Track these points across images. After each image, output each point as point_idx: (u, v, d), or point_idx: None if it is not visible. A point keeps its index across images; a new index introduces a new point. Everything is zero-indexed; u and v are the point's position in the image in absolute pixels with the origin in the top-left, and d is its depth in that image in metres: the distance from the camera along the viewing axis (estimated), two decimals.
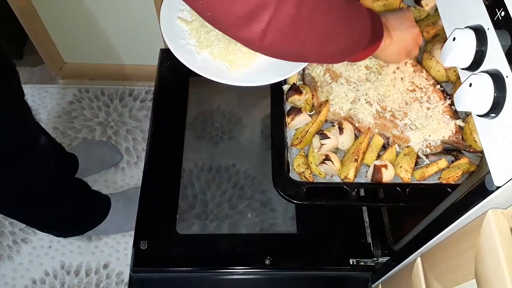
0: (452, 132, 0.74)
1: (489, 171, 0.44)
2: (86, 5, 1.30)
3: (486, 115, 0.44)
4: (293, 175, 0.71)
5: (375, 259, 0.86)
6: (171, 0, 0.75)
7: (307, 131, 0.74)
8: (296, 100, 0.77)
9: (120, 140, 1.44)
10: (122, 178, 1.37)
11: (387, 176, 0.69)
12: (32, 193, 1.00)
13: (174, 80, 1.04)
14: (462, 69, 0.49)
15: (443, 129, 0.74)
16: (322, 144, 0.71)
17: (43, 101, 1.50)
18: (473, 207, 0.47)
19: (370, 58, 0.80)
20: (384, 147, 0.74)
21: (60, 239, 1.26)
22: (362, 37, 0.59)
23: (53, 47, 1.45)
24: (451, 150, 0.74)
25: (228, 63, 0.72)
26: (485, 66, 0.45)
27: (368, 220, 0.92)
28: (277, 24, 0.47)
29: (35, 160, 0.94)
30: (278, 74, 0.69)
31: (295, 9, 0.46)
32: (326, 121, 0.77)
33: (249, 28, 0.47)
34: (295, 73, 0.71)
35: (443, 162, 0.71)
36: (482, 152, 0.69)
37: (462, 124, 0.75)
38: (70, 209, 1.15)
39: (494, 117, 0.43)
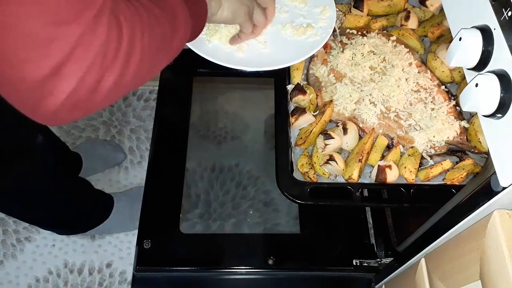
0: (457, 133, 0.74)
1: (495, 171, 0.43)
2: None
3: (492, 115, 0.43)
4: (297, 175, 0.71)
5: (378, 260, 0.85)
6: None
7: (311, 131, 0.74)
8: (300, 100, 0.77)
9: (123, 140, 1.44)
10: (126, 177, 1.38)
11: (391, 176, 0.69)
12: (31, 192, 1.00)
13: (178, 80, 1.04)
14: (468, 69, 0.48)
15: (448, 130, 0.74)
16: (326, 144, 0.71)
17: None
18: (478, 208, 0.47)
19: (371, 58, 0.80)
20: (389, 148, 0.74)
21: (64, 238, 1.26)
22: (181, 41, 0.55)
23: None
24: (456, 151, 0.74)
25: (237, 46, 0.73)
26: (492, 66, 0.45)
27: (371, 221, 0.91)
28: (82, 100, 0.39)
29: (32, 158, 0.94)
30: (292, 58, 0.71)
31: (97, 82, 0.39)
32: (330, 121, 0.77)
33: (44, 104, 0.38)
34: (303, 59, 0.73)
35: (447, 163, 0.71)
36: (486, 153, 0.69)
37: (466, 125, 0.75)
38: (73, 207, 1.15)
39: (500, 118, 0.43)
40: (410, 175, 0.70)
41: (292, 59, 0.72)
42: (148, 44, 0.45)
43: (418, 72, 0.80)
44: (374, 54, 0.81)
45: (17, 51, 0.35)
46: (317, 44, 0.74)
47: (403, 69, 0.79)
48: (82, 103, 0.40)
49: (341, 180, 0.71)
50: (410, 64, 0.80)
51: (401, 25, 0.85)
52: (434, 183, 0.71)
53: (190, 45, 0.70)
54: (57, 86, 0.37)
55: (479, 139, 0.71)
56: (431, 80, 0.79)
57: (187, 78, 1.04)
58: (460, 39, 0.47)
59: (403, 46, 0.82)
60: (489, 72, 0.44)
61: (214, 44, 0.73)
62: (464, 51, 0.47)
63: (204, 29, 0.69)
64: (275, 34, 0.76)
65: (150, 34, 0.45)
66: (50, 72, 0.36)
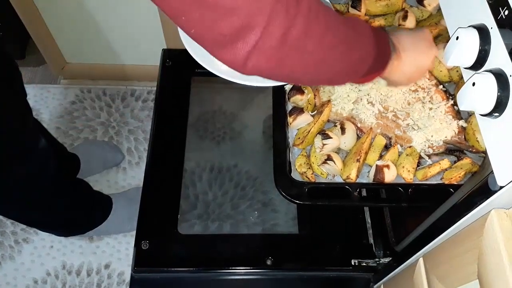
0: (455, 133, 0.74)
1: (492, 171, 0.43)
2: (89, 6, 1.30)
3: (489, 114, 0.43)
4: (295, 175, 0.71)
5: (377, 259, 0.85)
6: None
7: (309, 131, 0.74)
8: (298, 100, 0.77)
9: (121, 140, 1.44)
10: (124, 178, 1.37)
11: (389, 176, 0.69)
12: (32, 194, 1.00)
13: (176, 80, 1.04)
14: (465, 68, 0.48)
15: (446, 129, 0.74)
16: (324, 144, 0.71)
17: (45, 101, 1.51)
18: (476, 207, 0.47)
19: None
20: (386, 147, 0.74)
21: (62, 239, 1.26)
22: (362, 62, 0.56)
23: (55, 48, 1.46)
24: (454, 150, 0.74)
25: None
26: (489, 65, 0.45)
27: (370, 221, 0.91)
28: (264, 47, 0.44)
29: (35, 161, 0.94)
30: None
31: (283, 32, 0.43)
32: (328, 121, 0.77)
33: (233, 48, 0.44)
34: None
35: (445, 163, 0.71)
36: (484, 152, 0.68)
37: (464, 124, 0.75)
38: (71, 209, 1.15)
39: (497, 117, 0.43)
40: (408, 175, 0.70)
41: None
42: (332, 27, 0.48)
43: None
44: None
45: (211, 16, 0.42)
46: None
47: None
48: (268, 52, 0.44)
49: (339, 180, 0.71)
50: None
51: (399, 25, 0.85)
52: (432, 182, 0.71)
53: (187, 46, 0.70)
54: (245, 37, 0.42)
55: (477, 138, 0.71)
56: (429, 79, 0.79)
57: (185, 78, 1.04)
58: (457, 38, 0.47)
59: None
60: (486, 71, 0.44)
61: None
62: (461, 50, 0.47)
63: None
64: None
65: (333, 25, 0.48)
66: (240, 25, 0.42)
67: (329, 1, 0.79)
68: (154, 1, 0.43)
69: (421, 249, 0.62)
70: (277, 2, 0.42)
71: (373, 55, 0.56)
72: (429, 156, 0.73)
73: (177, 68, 1.04)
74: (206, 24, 0.43)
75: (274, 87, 0.79)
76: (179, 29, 0.72)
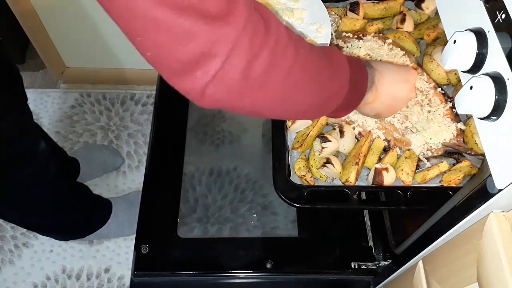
0: (453, 135, 0.74)
1: (491, 174, 0.44)
2: (88, 10, 1.31)
3: (487, 117, 0.43)
4: (294, 179, 0.71)
5: (376, 262, 0.85)
6: None
7: (308, 134, 0.74)
8: None
9: (121, 144, 1.44)
10: (123, 182, 1.37)
11: (388, 179, 0.69)
12: (32, 198, 1.00)
13: None
14: (463, 71, 0.49)
15: (444, 132, 0.74)
16: (323, 147, 0.71)
17: (45, 105, 1.51)
18: (474, 210, 0.47)
19: (368, 59, 0.80)
20: (385, 150, 0.74)
21: (62, 243, 1.26)
22: (331, 99, 0.53)
23: (55, 52, 1.46)
24: (453, 153, 0.74)
25: None
26: (486, 68, 0.45)
27: (369, 224, 0.91)
28: (225, 79, 0.40)
29: (35, 165, 0.94)
30: None
31: (246, 64, 0.40)
32: (327, 124, 0.77)
33: (191, 77, 0.40)
34: None
35: (444, 165, 0.71)
36: (483, 155, 0.69)
37: (463, 127, 0.75)
38: (71, 213, 1.15)
39: (495, 120, 0.43)
40: (407, 178, 0.70)
41: None
42: (301, 62, 0.45)
43: None
44: (370, 57, 0.81)
45: (166, 42, 0.38)
46: None
47: None
48: (229, 84, 0.41)
49: (338, 183, 0.71)
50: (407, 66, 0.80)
51: (397, 28, 0.86)
52: (431, 185, 0.71)
53: None
54: (205, 65, 0.39)
55: (475, 141, 0.71)
56: (427, 82, 0.79)
57: None
58: (454, 42, 0.47)
59: (399, 49, 0.82)
60: (483, 74, 0.44)
61: None
62: (458, 53, 0.47)
63: None
64: None
65: (302, 61, 0.45)
66: (199, 53, 0.39)
67: (301, 32, 0.80)
68: (112, 17, 0.39)
69: (420, 251, 0.63)
70: (243, 30, 0.39)
71: (344, 93, 0.53)
72: (428, 158, 0.73)
73: None
74: (162, 48, 0.39)
75: None
76: None
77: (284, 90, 0.46)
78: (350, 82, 0.54)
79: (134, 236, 0.87)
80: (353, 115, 0.76)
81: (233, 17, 0.38)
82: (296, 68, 0.45)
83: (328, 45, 0.78)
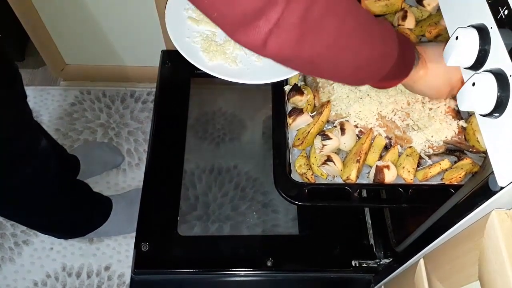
0: (455, 133, 0.74)
1: (493, 171, 0.43)
2: (88, 7, 1.30)
3: (489, 114, 0.43)
4: (295, 176, 0.71)
5: (377, 260, 0.85)
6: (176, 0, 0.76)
7: (309, 132, 0.74)
8: (297, 100, 0.77)
9: (121, 142, 1.44)
10: (124, 179, 1.37)
11: (390, 177, 0.69)
12: (33, 196, 0.99)
13: (176, 81, 1.04)
14: (465, 68, 0.48)
15: (446, 130, 0.73)
16: (323, 145, 0.70)
17: (44, 102, 1.50)
18: (476, 208, 0.47)
19: None
20: (386, 148, 0.74)
21: (62, 241, 1.26)
22: (385, 58, 0.53)
23: (54, 49, 1.46)
24: (454, 150, 0.74)
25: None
26: (488, 65, 0.45)
27: (370, 221, 0.91)
28: (285, 25, 0.43)
29: (36, 163, 0.94)
30: (285, 72, 0.70)
31: (305, 8, 0.42)
32: (327, 121, 0.76)
33: (254, 27, 0.43)
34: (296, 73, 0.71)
35: (446, 163, 0.71)
36: (485, 152, 0.68)
37: (464, 124, 0.74)
38: (71, 211, 1.14)
39: (497, 117, 0.43)
40: (408, 175, 0.70)
41: (285, 73, 0.71)
42: (355, 12, 0.47)
43: None
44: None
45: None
46: None
47: None
48: (290, 29, 0.43)
49: (339, 180, 0.71)
50: None
51: (398, 25, 0.85)
52: (433, 183, 0.70)
53: (181, 51, 0.71)
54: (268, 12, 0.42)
55: (477, 138, 0.71)
56: None
57: (184, 80, 1.04)
58: (456, 38, 0.47)
59: None
60: (486, 71, 0.44)
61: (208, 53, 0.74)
62: (460, 50, 0.46)
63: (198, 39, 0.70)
64: None
65: (354, 10, 0.48)
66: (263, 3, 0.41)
67: None
68: None
69: (421, 250, 0.62)
70: None
71: (396, 53, 0.54)
72: (429, 156, 0.73)
73: (177, 69, 1.04)
74: (227, 4, 0.42)
75: (273, 88, 0.79)
76: (167, 25, 0.73)
77: (340, 36, 0.47)
78: (400, 44, 0.55)
79: (134, 234, 0.87)
80: (355, 111, 0.75)
81: None
82: (351, 17, 0.47)
83: None
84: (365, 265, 0.85)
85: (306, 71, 0.54)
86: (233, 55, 0.75)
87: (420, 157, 0.72)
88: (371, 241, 0.88)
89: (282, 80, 0.79)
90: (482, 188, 0.46)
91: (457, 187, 0.63)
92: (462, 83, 0.64)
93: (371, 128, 0.74)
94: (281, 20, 0.42)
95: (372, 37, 0.51)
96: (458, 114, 0.76)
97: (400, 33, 0.58)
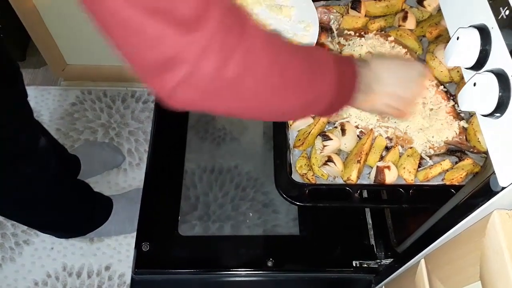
0: (456, 133, 0.74)
1: (494, 171, 0.43)
2: None
3: (490, 114, 0.43)
4: (296, 177, 0.71)
5: (378, 261, 0.85)
6: None
7: (310, 132, 0.74)
8: None
9: (122, 142, 1.44)
10: (124, 179, 1.37)
11: (390, 177, 0.69)
12: (33, 195, 0.99)
13: None
14: (466, 68, 0.48)
15: (447, 130, 0.73)
16: (324, 146, 0.70)
17: (45, 102, 1.51)
18: (477, 208, 0.47)
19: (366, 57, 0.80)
20: (387, 148, 0.74)
21: (62, 241, 1.26)
22: (316, 102, 0.51)
23: (55, 49, 1.46)
24: (455, 151, 0.74)
25: None
26: (490, 65, 0.45)
27: (371, 222, 0.91)
28: (193, 83, 0.40)
29: (35, 162, 0.94)
30: None
31: (216, 69, 0.39)
32: (328, 122, 0.76)
33: (160, 79, 0.40)
34: None
35: (446, 163, 0.70)
36: (486, 152, 0.68)
37: (465, 125, 0.74)
38: (71, 210, 1.14)
39: (498, 117, 0.43)
40: (409, 176, 0.70)
41: None
42: (279, 67, 0.44)
43: None
44: (372, 55, 0.81)
45: (137, 43, 0.38)
46: None
47: None
48: (197, 88, 0.41)
49: (340, 181, 0.71)
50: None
51: (399, 26, 0.85)
52: (434, 183, 0.70)
53: None
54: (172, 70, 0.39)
55: (478, 138, 0.71)
56: (429, 80, 0.79)
57: None
58: (457, 38, 0.47)
59: (401, 46, 0.82)
60: (487, 71, 0.44)
61: None
62: (461, 50, 0.46)
63: None
64: None
65: (281, 63, 0.45)
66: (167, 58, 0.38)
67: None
68: (87, 14, 0.39)
69: (422, 250, 0.62)
70: (213, 36, 0.38)
71: (330, 96, 0.51)
72: (430, 157, 0.73)
73: None
74: (132, 49, 0.39)
75: None
76: None
77: (258, 95, 0.44)
78: (338, 82, 0.52)
79: (135, 234, 0.87)
80: (355, 112, 0.75)
81: (204, 22, 0.37)
82: (273, 73, 0.44)
83: (314, 44, 0.78)
84: (365, 265, 0.85)
85: (223, 115, 0.50)
86: None
87: (421, 158, 0.72)
88: (372, 241, 0.88)
89: None
90: (483, 189, 0.46)
91: (458, 188, 0.63)
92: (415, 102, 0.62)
93: (371, 129, 0.74)
94: (188, 78, 0.39)
95: (300, 87, 0.48)
96: (459, 114, 0.76)
97: (343, 60, 0.54)
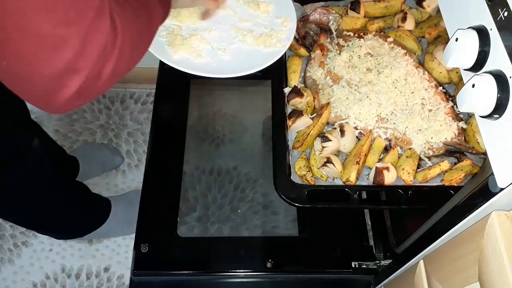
0: (455, 134, 0.74)
1: (493, 172, 0.43)
2: None
3: (489, 116, 0.43)
4: (295, 178, 0.71)
5: (377, 262, 0.85)
6: None
7: (309, 133, 0.74)
8: (297, 102, 0.77)
9: (121, 143, 1.44)
10: (123, 181, 1.37)
11: (389, 178, 0.69)
12: (29, 196, 0.99)
13: (175, 83, 1.03)
14: (465, 69, 0.48)
15: (446, 131, 0.74)
16: (323, 147, 0.70)
17: None
18: (476, 209, 0.47)
19: (368, 60, 0.80)
20: (386, 150, 0.74)
21: (61, 242, 1.26)
22: (157, 25, 0.61)
23: None
24: (454, 152, 0.74)
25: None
26: (488, 66, 0.45)
27: (370, 223, 0.91)
28: (91, 86, 0.45)
29: (28, 162, 0.93)
30: (248, 67, 0.74)
31: (97, 72, 0.45)
32: (327, 123, 0.76)
33: (58, 91, 0.44)
34: (260, 69, 0.74)
35: (445, 164, 0.71)
36: (485, 153, 0.68)
37: (464, 126, 0.74)
38: (70, 212, 1.14)
39: (497, 118, 0.43)
40: (408, 177, 0.70)
41: (248, 68, 0.73)
42: (134, 33, 0.51)
43: (416, 73, 0.80)
44: (371, 56, 0.81)
45: (34, 51, 0.40)
46: (275, 55, 0.76)
47: (400, 71, 0.79)
48: (88, 91, 0.46)
49: (339, 182, 0.71)
50: (408, 65, 0.80)
51: (398, 27, 0.85)
52: (432, 184, 0.70)
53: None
54: (71, 79, 0.43)
55: (477, 139, 0.71)
56: (428, 81, 0.79)
57: (184, 81, 1.04)
58: (456, 39, 0.47)
59: (400, 47, 0.82)
60: (486, 72, 0.44)
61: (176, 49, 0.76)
62: (460, 51, 0.46)
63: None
64: (234, 41, 0.78)
65: (135, 25, 0.51)
66: (64, 67, 0.42)
67: None
68: None
69: (421, 251, 0.62)
70: (83, 42, 0.42)
71: (160, 12, 0.61)
72: (429, 158, 0.73)
73: (176, 70, 1.03)
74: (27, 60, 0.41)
75: (273, 90, 0.79)
76: None
77: (129, 65, 0.52)
78: (160, 3, 0.61)
79: (133, 235, 0.87)
80: (355, 113, 0.75)
81: (77, 25, 0.41)
82: (135, 49, 0.51)
83: (291, 39, 0.79)
84: (365, 266, 0.85)
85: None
86: (199, 48, 0.75)
87: (420, 159, 0.72)
88: (371, 242, 0.88)
89: (281, 82, 0.80)
90: (482, 190, 0.46)
91: (457, 189, 0.63)
92: None
93: (370, 130, 0.74)
94: (82, 88, 0.44)
95: (148, 33, 0.57)
96: (458, 115, 0.76)
97: None
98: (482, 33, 0.45)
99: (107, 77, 0.46)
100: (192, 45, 0.75)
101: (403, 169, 0.70)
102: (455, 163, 0.72)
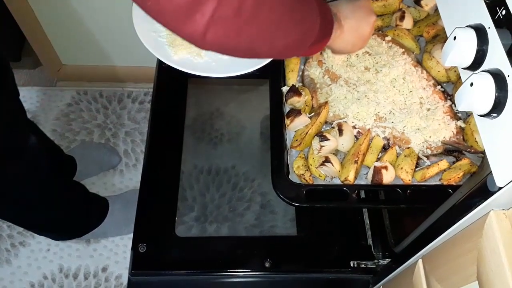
0: (453, 133, 0.74)
1: (491, 171, 0.43)
2: (85, 8, 1.30)
3: (487, 115, 0.43)
4: (293, 177, 0.71)
5: (376, 261, 0.85)
6: None
7: (307, 133, 0.73)
8: (295, 101, 0.76)
9: (118, 142, 1.43)
10: (121, 180, 1.37)
11: (388, 177, 0.69)
12: (26, 195, 0.99)
13: (173, 82, 1.03)
14: (463, 68, 0.48)
15: (444, 130, 0.73)
16: (321, 146, 0.70)
17: (41, 103, 1.50)
18: (474, 208, 0.47)
19: (366, 59, 0.80)
20: (385, 149, 0.74)
21: (58, 243, 1.25)
22: (310, 31, 0.57)
23: (51, 50, 1.45)
24: (452, 151, 0.74)
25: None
26: (486, 65, 0.44)
27: (368, 222, 0.91)
28: (221, 17, 0.43)
29: (25, 160, 0.93)
30: (247, 66, 0.72)
31: (238, 2, 0.43)
32: (325, 122, 0.76)
33: (191, 21, 0.43)
34: (258, 67, 0.73)
35: (444, 163, 0.70)
36: (483, 152, 0.68)
37: (463, 125, 0.74)
38: (67, 212, 1.14)
39: (495, 117, 0.43)
40: (406, 176, 0.70)
41: (246, 67, 0.73)
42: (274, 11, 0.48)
43: (414, 72, 0.79)
44: (369, 54, 0.81)
45: None
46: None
47: (398, 69, 0.79)
48: (223, 20, 0.44)
49: (337, 181, 0.71)
50: (406, 64, 0.80)
51: (396, 25, 0.85)
52: (431, 183, 0.70)
53: (147, 45, 0.72)
54: (203, 3, 0.42)
55: (475, 138, 0.71)
56: (426, 80, 0.79)
57: (182, 80, 1.04)
58: (454, 38, 0.47)
59: (398, 46, 0.82)
60: (484, 71, 0.43)
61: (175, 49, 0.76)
62: (458, 50, 0.46)
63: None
64: None
65: (282, 6, 0.49)
66: None
67: None
68: None
69: (420, 250, 0.62)
70: None
71: (318, 24, 0.57)
72: (427, 157, 0.73)
73: (174, 69, 1.03)
74: None
75: (271, 89, 0.79)
76: (133, 19, 0.74)
77: (273, 20, 0.49)
78: (320, 14, 0.57)
79: (131, 235, 0.86)
80: (353, 112, 0.75)
81: None
82: (279, 4, 0.49)
83: None
84: (363, 266, 0.85)
85: (244, 56, 0.55)
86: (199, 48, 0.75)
87: (418, 158, 0.72)
88: (370, 241, 0.88)
89: (279, 81, 0.79)
90: (480, 189, 0.46)
91: (455, 188, 0.63)
92: (371, 34, 0.69)
93: (369, 129, 0.74)
94: (216, 14, 0.42)
95: (299, 17, 0.53)
96: (456, 114, 0.76)
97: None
98: (480, 31, 0.45)
99: (248, 10, 0.44)
100: (191, 45, 0.75)
101: (401, 168, 0.70)
102: (454, 162, 0.72)
